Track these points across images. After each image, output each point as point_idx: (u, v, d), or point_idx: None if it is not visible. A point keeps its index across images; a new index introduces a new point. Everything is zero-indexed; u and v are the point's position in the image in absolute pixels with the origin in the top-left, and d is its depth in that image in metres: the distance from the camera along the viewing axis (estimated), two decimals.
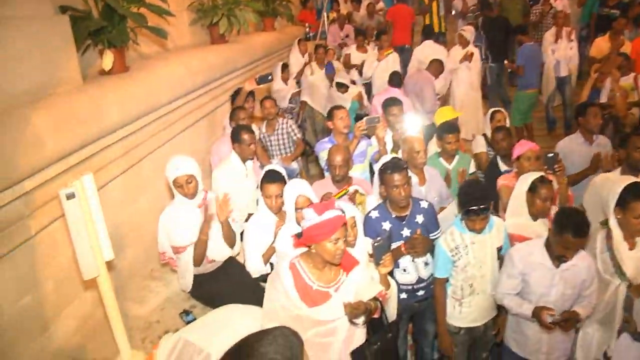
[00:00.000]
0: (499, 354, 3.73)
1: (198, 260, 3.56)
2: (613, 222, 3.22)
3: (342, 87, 7.34)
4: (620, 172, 4.08)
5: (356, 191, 3.91)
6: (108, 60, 3.90)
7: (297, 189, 3.40)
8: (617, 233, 3.20)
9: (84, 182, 2.69)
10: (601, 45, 7.82)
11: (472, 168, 4.77)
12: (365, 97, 7.72)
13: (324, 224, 2.45)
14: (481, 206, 3.14)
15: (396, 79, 6.91)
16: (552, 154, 3.91)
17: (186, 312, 3.66)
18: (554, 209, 3.63)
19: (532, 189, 3.49)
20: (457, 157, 4.63)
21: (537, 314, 3.04)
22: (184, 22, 5.95)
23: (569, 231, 2.90)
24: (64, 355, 3.23)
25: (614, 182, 3.48)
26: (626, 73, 6.36)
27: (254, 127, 4.90)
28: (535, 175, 3.56)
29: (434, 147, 4.89)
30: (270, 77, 5.23)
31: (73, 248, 2.76)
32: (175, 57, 5.22)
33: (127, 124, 3.93)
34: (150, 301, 3.87)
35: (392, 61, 8.11)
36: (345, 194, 3.83)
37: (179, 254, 3.58)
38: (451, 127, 4.66)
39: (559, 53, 8.21)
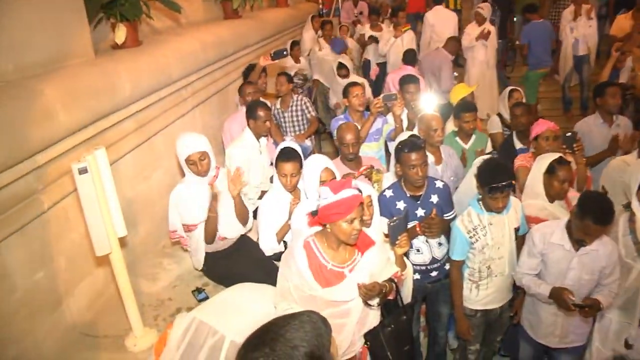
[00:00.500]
0: (512, 335, 3.69)
1: (209, 238, 3.54)
2: (636, 205, 3.15)
3: (343, 69, 6.88)
4: (637, 154, 3.98)
5: (372, 166, 3.85)
6: (121, 33, 3.84)
7: (321, 163, 3.34)
8: None
9: (96, 156, 2.66)
10: (623, 23, 7.66)
11: (488, 148, 4.70)
12: (369, 90, 7.36)
13: (339, 203, 2.38)
14: (504, 182, 3.07)
15: (410, 57, 6.80)
16: (571, 133, 3.85)
17: (198, 290, 3.65)
18: (571, 191, 3.56)
19: (550, 171, 3.42)
20: (474, 136, 4.57)
21: (555, 294, 2.98)
22: None
23: (590, 217, 2.82)
24: (76, 332, 3.23)
25: (633, 164, 3.41)
26: None
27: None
28: (553, 156, 3.48)
29: (450, 126, 4.83)
30: (285, 53, 5.15)
31: (85, 224, 2.74)
32: (188, 32, 5.15)
33: (140, 98, 3.89)
34: (162, 278, 3.86)
35: (408, 39, 7.98)
36: (367, 172, 3.78)
37: (190, 232, 3.55)
38: (469, 105, 4.61)
39: (578, 31, 8.05)
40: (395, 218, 2.73)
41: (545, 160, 3.48)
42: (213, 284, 3.77)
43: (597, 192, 3.44)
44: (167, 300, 3.65)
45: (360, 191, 2.48)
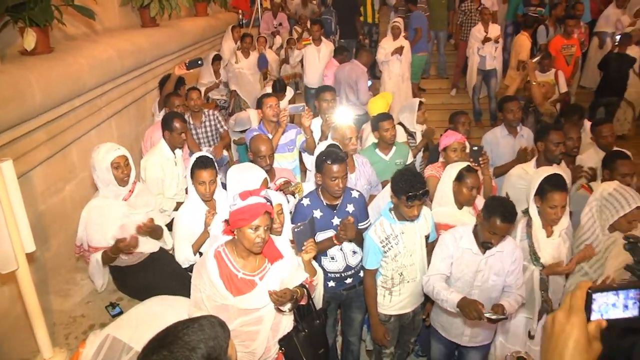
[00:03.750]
0: (427, 336, 3.85)
1: (104, 264, 3.51)
2: (533, 211, 3.40)
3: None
4: (535, 163, 4.28)
5: (288, 181, 3.91)
6: (30, 39, 3.68)
7: (262, 174, 3.44)
8: (536, 221, 3.38)
9: (2, 168, 2.57)
10: (522, 40, 8.19)
11: (410, 158, 4.84)
12: None
13: (245, 209, 2.46)
14: (421, 191, 3.18)
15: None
16: (477, 147, 4.05)
17: (112, 305, 3.57)
18: (479, 199, 3.77)
19: (459, 178, 3.61)
20: (394, 148, 4.67)
21: (465, 304, 2.95)
22: (113, 3, 5.72)
23: (498, 215, 2.99)
24: None
25: (533, 173, 3.67)
26: (547, 69, 6.71)
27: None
28: (462, 164, 3.68)
29: (370, 138, 4.92)
30: (200, 62, 5.10)
31: None
32: (104, 39, 5.02)
33: (52, 107, 3.75)
34: (75, 294, 3.73)
35: (326, 52, 8.15)
36: (283, 187, 3.83)
37: (90, 252, 3.48)
38: (385, 115, 4.72)
39: (484, 50, 8.55)
40: (299, 224, 2.77)
41: (455, 168, 3.67)
42: (127, 299, 3.70)
43: (500, 196, 3.67)
44: (80, 317, 3.54)
45: (269, 201, 2.55)
